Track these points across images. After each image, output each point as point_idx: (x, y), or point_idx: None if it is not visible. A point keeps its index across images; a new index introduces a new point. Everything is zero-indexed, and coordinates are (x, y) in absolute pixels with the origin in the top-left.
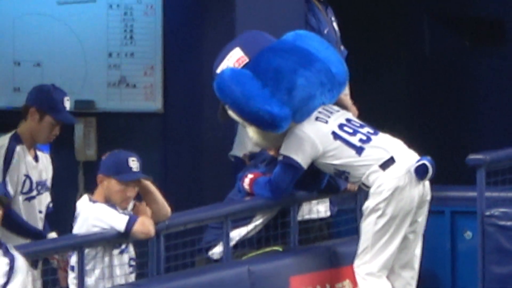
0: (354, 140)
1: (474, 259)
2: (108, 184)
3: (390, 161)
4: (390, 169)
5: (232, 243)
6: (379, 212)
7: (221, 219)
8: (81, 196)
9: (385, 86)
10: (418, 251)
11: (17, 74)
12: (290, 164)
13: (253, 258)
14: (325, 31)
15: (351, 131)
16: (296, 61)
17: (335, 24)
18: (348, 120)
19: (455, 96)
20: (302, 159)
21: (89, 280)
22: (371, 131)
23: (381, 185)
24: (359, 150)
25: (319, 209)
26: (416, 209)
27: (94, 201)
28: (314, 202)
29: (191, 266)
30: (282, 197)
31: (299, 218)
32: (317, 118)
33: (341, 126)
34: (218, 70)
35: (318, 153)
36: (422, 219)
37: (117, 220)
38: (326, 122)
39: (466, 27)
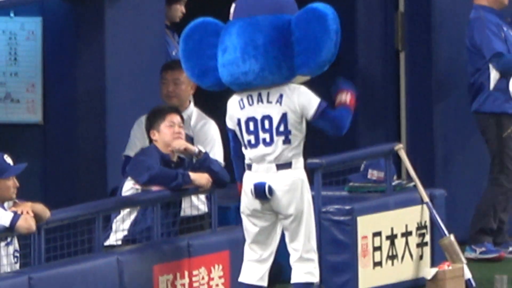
0: (245, 137)
1: None
2: None
3: (249, 167)
4: (246, 173)
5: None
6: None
7: (93, 215)
8: None
9: None
10: (293, 247)
11: None
12: None
13: (123, 249)
14: (173, 53)
15: (252, 128)
16: (234, 46)
17: None
18: (263, 118)
19: None
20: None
21: None
22: (269, 140)
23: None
24: (244, 146)
25: (200, 206)
26: (255, 216)
27: None
28: (194, 197)
29: (68, 256)
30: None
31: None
32: (241, 100)
33: (248, 120)
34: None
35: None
36: (284, 225)
37: (3, 217)
38: (246, 106)
39: None
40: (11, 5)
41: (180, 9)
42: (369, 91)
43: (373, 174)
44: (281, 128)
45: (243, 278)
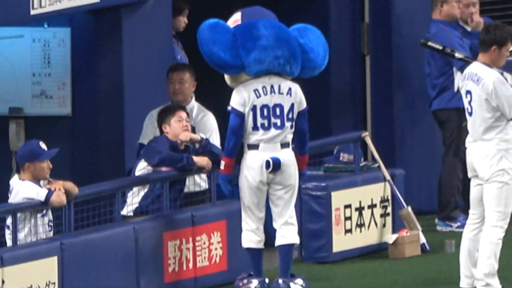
0: (259, 121)
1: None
2: (34, 167)
3: (255, 147)
4: (251, 151)
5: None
6: (240, 182)
7: (113, 191)
8: (13, 175)
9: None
10: (283, 213)
11: None
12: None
13: (138, 219)
14: (178, 57)
15: (265, 114)
16: (266, 36)
17: (183, 52)
18: (274, 106)
19: None
20: (238, 107)
21: (20, 236)
22: (280, 124)
23: (242, 160)
24: (254, 128)
25: (201, 183)
26: (260, 189)
27: (23, 180)
28: (196, 176)
29: (93, 225)
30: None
31: (186, 190)
32: (256, 90)
33: (263, 107)
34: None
35: (245, 108)
36: (278, 195)
37: (39, 193)
38: (262, 95)
39: None
40: (45, 17)
41: (183, 21)
42: (340, 88)
43: (344, 157)
44: (290, 116)
45: (250, 244)
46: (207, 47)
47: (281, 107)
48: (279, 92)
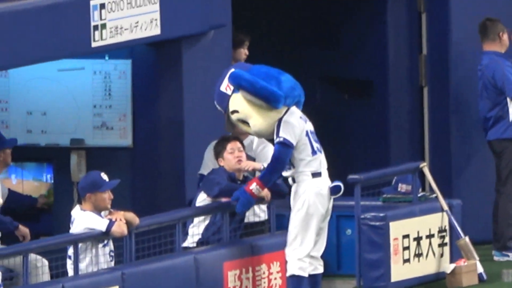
0: (314, 145)
1: (353, 249)
2: (96, 197)
3: (318, 174)
4: (316, 179)
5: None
6: (306, 211)
7: (174, 222)
8: (74, 206)
9: None
10: (324, 244)
11: (29, 120)
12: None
13: (198, 249)
14: None
15: (315, 138)
16: (276, 70)
17: None
18: (312, 131)
19: (336, 133)
20: (292, 138)
21: (81, 266)
22: (320, 147)
23: (303, 188)
24: (313, 153)
25: (261, 214)
26: (324, 216)
27: (84, 210)
28: (256, 207)
29: (154, 255)
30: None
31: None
32: (301, 117)
33: (311, 132)
34: (222, 87)
35: (298, 138)
36: (326, 223)
37: (100, 223)
38: (306, 122)
39: (345, 85)
40: (107, 50)
41: (244, 52)
42: (399, 119)
43: (402, 187)
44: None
45: (300, 272)
46: (258, 84)
47: (313, 132)
48: (306, 120)
